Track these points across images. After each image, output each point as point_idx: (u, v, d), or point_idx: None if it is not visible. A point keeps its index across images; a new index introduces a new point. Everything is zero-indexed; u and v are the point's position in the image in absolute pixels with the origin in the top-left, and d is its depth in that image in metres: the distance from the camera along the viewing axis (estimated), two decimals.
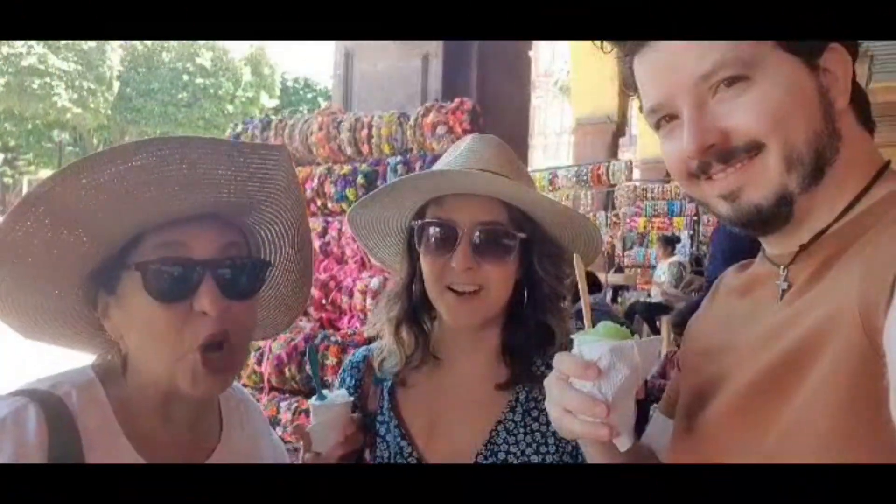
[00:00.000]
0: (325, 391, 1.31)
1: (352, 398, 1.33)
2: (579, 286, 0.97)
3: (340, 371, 1.49)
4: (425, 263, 1.28)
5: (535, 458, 1.27)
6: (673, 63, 0.88)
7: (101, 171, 0.93)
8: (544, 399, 1.30)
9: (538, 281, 1.31)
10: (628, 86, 0.99)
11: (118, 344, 1.09)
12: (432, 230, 1.27)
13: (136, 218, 1.01)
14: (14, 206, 0.93)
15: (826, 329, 0.76)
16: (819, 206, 0.87)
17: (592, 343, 0.87)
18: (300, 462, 1.30)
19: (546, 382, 0.94)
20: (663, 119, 0.93)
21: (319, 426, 1.27)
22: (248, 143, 1.18)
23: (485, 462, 1.26)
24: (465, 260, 1.23)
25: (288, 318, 1.35)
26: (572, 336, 0.91)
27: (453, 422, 1.32)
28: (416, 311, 1.35)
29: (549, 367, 1.33)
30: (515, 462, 1.26)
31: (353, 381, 1.42)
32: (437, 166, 1.34)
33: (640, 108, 0.97)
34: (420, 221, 1.29)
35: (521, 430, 1.29)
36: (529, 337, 1.31)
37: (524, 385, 1.31)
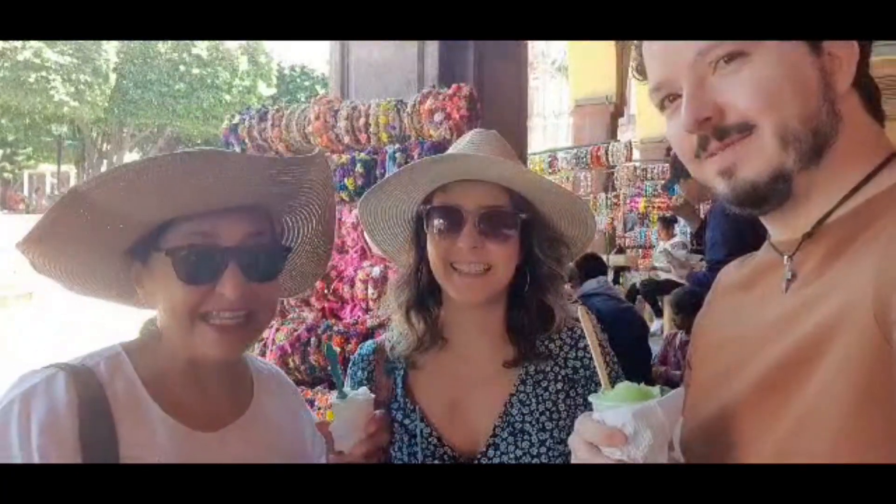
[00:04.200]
0: (346, 389, 1.31)
1: (373, 395, 1.33)
2: (590, 345, 0.97)
3: (350, 364, 1.52)
4: (432, 245, 1.36)
5: (549, 425, 1.35)
6: (674, 42, 0.90)
7: (139, 175, 1.01)
8: (552, 371, 1.39)
9: (538, 263, 1.39)
10: (640, 71, 1.01)
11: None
12: (439, 214, 1.36)
13: (168, 213, 1.11)
14: (59, 199, 1.02)
15: (837, 321, 0.76)
16: (820, 189, 0.87)
17: (614, 409, 0.86)
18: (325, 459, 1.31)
19: (572, 444, 0.93)
20: (667, 98, 0.95)
21: (341, 424, 1.26)
22: (284, 158, 1.24)
23: (503, 433, 1.35)
24: (471, 239, 1.31)
25: (304, 284, 1.42)
26: (591, 398, 0.92)
27: (468, 400, 1.39)
28: (423, 296, 1.43)
29: (552, 340, 1.42)
30: (532, 431, 1.34)
31: (365, 374, 1.47)
32: None
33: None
34: (428, 206, 1.37)
35: (534, 399, 1.37)
36: (532, 317, 1.39)
37: (531, 361, 1.39)
